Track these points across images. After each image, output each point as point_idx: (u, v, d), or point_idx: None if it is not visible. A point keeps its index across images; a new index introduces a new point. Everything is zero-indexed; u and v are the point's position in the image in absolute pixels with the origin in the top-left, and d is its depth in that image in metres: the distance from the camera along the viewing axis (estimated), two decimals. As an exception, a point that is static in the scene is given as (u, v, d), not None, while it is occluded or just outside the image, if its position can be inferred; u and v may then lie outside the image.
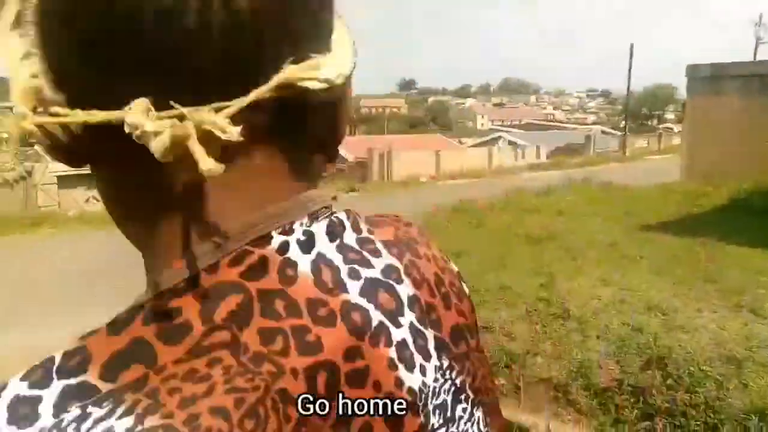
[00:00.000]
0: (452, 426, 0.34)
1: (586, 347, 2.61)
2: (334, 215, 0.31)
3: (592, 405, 2.38)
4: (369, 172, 21.97)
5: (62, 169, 14.49)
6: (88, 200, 14.62)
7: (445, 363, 0.33)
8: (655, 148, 30.14)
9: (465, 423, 0.35)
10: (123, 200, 0.30)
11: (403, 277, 0.32)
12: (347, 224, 0.31)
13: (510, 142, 29.78)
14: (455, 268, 0.40)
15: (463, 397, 0.35)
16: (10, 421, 0.22)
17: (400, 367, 0.30)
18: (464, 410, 0.35)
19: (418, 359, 0.31)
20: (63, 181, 14.10)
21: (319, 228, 0.29)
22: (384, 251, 0.32)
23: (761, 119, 7.52)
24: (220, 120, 0.23)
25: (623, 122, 33.36)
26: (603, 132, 35.21)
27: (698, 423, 2.11)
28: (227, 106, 0.24)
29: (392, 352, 0.30)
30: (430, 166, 21.37)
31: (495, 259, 3.91)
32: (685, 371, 2.30)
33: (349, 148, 28.32)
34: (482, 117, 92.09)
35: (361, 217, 0.34)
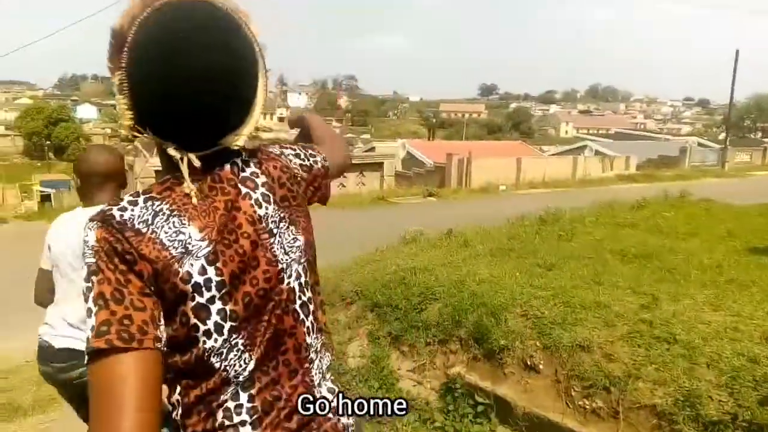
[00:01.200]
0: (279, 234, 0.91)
1: (694, 375, 2.45)
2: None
3: (702, 438, 2.23)
4: (447, 178, 21.86)
5: (159, 164, 15.60)
6: (182, 193, 15.64)
7: (275, 207, 0.92)
8: (759, 162, 27.78)
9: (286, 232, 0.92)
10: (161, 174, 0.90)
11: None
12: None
13: (597, 152, 28.55)
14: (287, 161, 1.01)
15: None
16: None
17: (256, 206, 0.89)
18: (286, 228, 0.93)
19: (265, 204, 0.91)
20: (160, 175, 15.17)
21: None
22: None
23: None
24: (193, 157, 0.83)
25: (723, 134, 31.03)
26: (699, 144, 32.91)
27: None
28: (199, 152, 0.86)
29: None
30: (511, 173, 20.93)
31: (589, 276, 3.77)
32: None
33: (428, 153, 28.38)
34: (566, 124, 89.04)
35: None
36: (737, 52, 26.42)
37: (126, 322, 0.73)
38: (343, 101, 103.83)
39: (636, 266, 4.18)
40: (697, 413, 2.29)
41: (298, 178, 1.00)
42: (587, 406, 2.58)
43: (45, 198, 25.22)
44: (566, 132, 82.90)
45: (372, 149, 29.58)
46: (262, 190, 0.91)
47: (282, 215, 0.92)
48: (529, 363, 2.92)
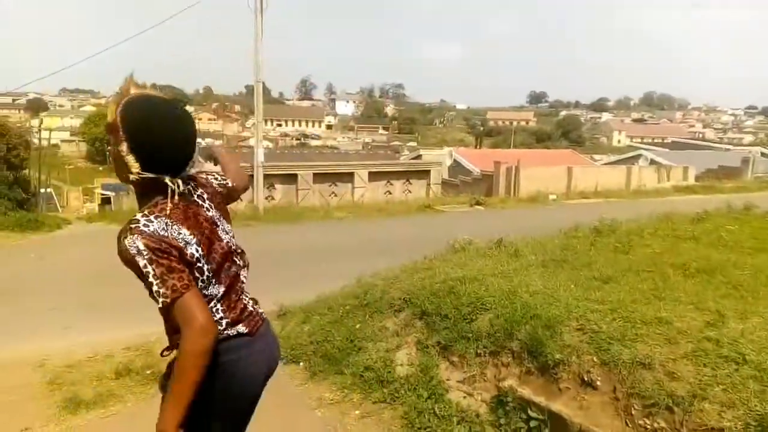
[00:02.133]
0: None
1: (766, 398, 2.31)
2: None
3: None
4: (495, 186, 21.59)
5: (210, 171, 16.01)
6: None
7: (215, 210, 1.71)
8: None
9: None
10: (144, 196, 1.58)
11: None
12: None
13: (652, 161, 27.54)
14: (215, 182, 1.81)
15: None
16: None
17: (208, 211, 1.70)
18: (221, 220, 1.73)
19: (211, 209, 1.70)
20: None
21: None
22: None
23: None
24: (180, 182, 1.56)
25: (791, 144, 29.28)
26: (762, 154, 31.22)
27: None
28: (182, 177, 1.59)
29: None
30: (561, 182, 20.45)
31: (649, 290, 3.63)
32: None
33: (475, 161, 28.13)
34: (619, 133, 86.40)
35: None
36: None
37: (182, 280, 1.47)
38: (390, 109, 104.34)
39: (699, 281, 3.99)
40: None
41: (220, 192, 1.78)
42: (648, 426, 2.47)
43: (105, 201, 26.47)
44: (619, 141, 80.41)
45: (418, 157, 29.57)
46: (207, 201, 1.68)
47: (218, 214, 1.71)
48: (585, 379, 2.82)
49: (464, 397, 3.40)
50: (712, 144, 47.56)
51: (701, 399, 2.40)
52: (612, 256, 4.73)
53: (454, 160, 29.50)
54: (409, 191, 19.69)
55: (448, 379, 3.61)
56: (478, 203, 15.81)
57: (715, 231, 5.99)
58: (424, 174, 20.38)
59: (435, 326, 4.00)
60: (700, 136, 76.11)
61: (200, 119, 74.02)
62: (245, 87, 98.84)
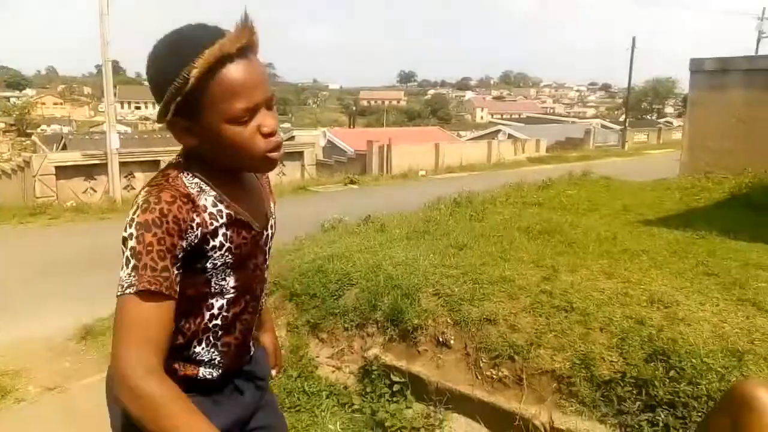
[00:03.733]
0: None
1: (588, 339, 2.63)
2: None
3: (595, 396, 2.41)
4: (369, 165, 21.95)
5: (60, 159, 14.42)
6: (86, 191, 14.58)
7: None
8: (655, 142, 30.11)
9: None
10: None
11: None
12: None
13: (510, 135, 29.73)
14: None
15: None
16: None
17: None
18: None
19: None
20: (61, 172, 14.01)
21: None
22: None
23: (764, 114, 7.53)
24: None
25: (624, 116, 33.29)
26: (603, 126, 35.15)
27: (700, 414, 2.14)
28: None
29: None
30: (430, 158, 21.36)
31: (497, 253, 3.93)
32: (688, 363, 2.32)
33: (349, 141, 28.33)
34: (482, 110, 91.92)
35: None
36: (633, 39, 28.38)
37: None
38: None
39: (540, 241, 4.41)
40: (592, 374, 2.46)
41: None
42: (494, 376, 2.70)
43: None
44: (481, 117, 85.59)
45: (292, 138, 29.10)
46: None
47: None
48: (440, 339, 3.01)
49: (333, 372, 3.47)
50: (560, 118, 52.46)
51: (537, 346, 2.68)
52: (467, 225, 5.05)
53: (329, 141, 29.46)
54: (284, 173, 19.33)
55: (317, 356, 3.65)
56: (352, 182, 16.00)
57: (557, 196, 6.64)
58: (297, 155, 20.11)
59: (304, 306, 4.01)
60: (551, 110, 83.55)
61: (43, 104, 65.87)
62: (95, 67, 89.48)
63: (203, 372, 1.11)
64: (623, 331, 2.62)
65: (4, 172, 17.10)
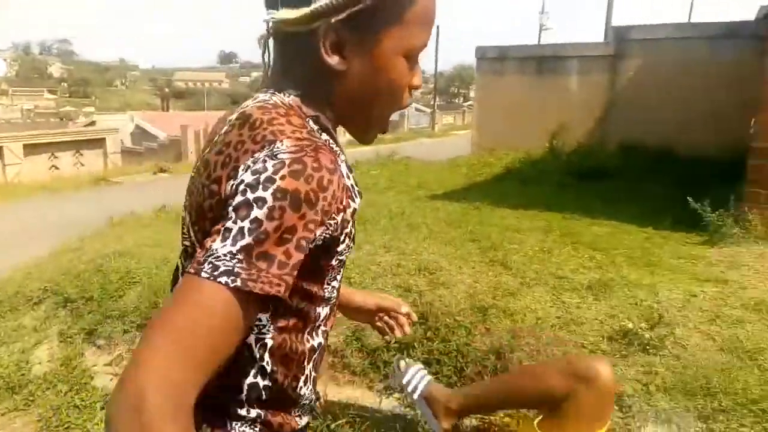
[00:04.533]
0: None
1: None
2: None
3: (365, 365, 2.54)
4: (185, 151, 20.60)
5: None
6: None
7: None
8: (460, 123, 33.07)
9: None
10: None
11: None
12: None
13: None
14: None
15: None
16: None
17: None
18: None
19: None
20: None
21: None
22: None
23: (536, 96, 8.63)
24: None
25: (435, 100, 35.94)
26: (416, 109, 37.51)
27: (449, 368, 2.38)
28: None
29: None
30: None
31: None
32: (442, 323, 2.56)
33: (162, 126, 26.21)
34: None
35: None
36: (438, 28, 30.63)
37: None
38: (56, 68, 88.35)
39: (338, 222, 4.53)
40: (362, 344, 2.59)
41: None
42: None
43: None
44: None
45: (92, 123, 26.00)
46: None
47: None
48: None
49: (111, 380, 3.18)
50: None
51: (315, 324, 2.74)
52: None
53: (137, 126, 26.95)
54: (82, 164, 17.23)
55: (94, 365, 3.32)
56: (162, 170, 14.83)
57: (360, 177, 6.90)
58: (98, 143, 18.07)
59: (80, 312, 3.62)
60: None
61: None
62: None
63: (302, 421, 0.80)
64: (393, 300, 2.79)
65: None
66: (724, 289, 2.81)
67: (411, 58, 0.72)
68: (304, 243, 0.62)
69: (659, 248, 3.60)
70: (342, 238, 0.71)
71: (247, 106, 0.72)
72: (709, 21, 8.67)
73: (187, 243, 0.76)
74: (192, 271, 0.59)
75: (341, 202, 0.66)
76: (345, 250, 0.74)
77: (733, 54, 6.45)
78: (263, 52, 0.74)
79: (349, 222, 0.71)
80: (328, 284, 0.77)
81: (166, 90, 67.59)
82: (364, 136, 0.81)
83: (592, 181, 5.88)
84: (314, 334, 0.78)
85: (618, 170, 6.07)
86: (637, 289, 2.78)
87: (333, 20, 0.65)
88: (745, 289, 2.82)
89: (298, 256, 0.61)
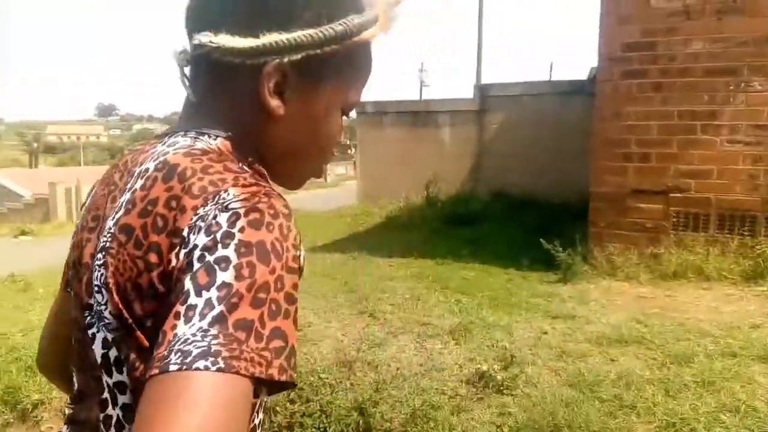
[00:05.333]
0: None
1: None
2: None
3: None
4: (53, 211, 18.90)
5: None
6: None
7: None
8: (351, 173, 33.73)
9: None
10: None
11: None
12: None
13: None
14: None
15: None
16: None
17: None
18: None
19: None
20: None
21: None
22: None
23: (413, 148, 9.04)
24: None
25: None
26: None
27: (314, 430, 2.29)
28: None
29: None
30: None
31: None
32: (306, 383, 2.49)
33: (29, 183, 23.92)
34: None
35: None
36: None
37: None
38: None
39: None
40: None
41: None
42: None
43: None
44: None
45: (-61, 183, 23.11)
46: None
47: None
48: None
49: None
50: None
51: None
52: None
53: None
54: None
55: None
56: (24, 233, 13.43)
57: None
58: (-55, 205, 16.03)
59: None
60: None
61: None
62: None
63: None
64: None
65: None
66: (572, 325, 3.04)
67: (345, 113, 0.68)
68: (274, 307, 0.50)
69: (519, 288, 3.83)
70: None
71: (167, 153, 0.60)
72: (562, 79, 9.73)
73: (117, 333, 0.58)
74: (155, 371, 0.45)
75: (300, 249, 0.56)
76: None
77: (580, 108, 7.26)
78: (182, 78, 0.63)
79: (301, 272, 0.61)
80: None
81: (35, 145, 62.23)
82: (290, 184, 0.72)
83: (463, 226, 6.20)
84: (259, 409, 0.66)
85: (486, 216, 6.48)
86: (495, 330, 2.91)
87: (285, 59, 0.58)
88: (590, 323, 3.07)
89: (271, 324, 0.49)
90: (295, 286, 0.51)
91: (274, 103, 0.60)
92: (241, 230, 0.50)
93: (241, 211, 0.51)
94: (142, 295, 0.55)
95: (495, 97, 8.31)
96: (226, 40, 0.57)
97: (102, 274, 0.58)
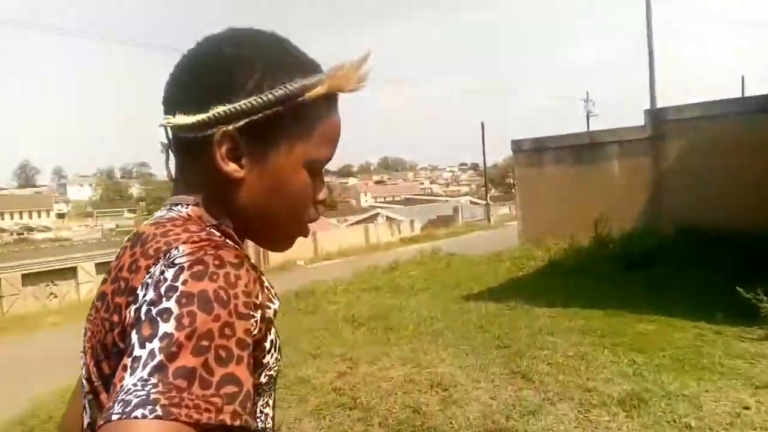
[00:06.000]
0: None
1: (367, 435, 2.54)
2: None
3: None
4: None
5: None
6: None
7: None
8: (515, 213, 32.77)
9: None
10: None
11: None
12: None
13: (388, 218, 30.74)
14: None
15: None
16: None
17: None
18: None
19: None
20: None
21: None
22: None
23: (574, 184, 8.43)
24: None
25: (492, 192, 36.19)
26: (471, 202, 37.72)
27: (457, 506, 2.08)
28: None
29: None
30: (308, 247, 21.24)
31: (310, 349, 3.81)
32: (449, 451, 2.29)
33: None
34: (365, 194, 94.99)
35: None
36: (482, 124, 31.62)
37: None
38: (136, 189, 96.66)
39: (365, 329, 4.38)
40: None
41: None
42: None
43: None
44: (366, 201, 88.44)
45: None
46: None
47: None
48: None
49: None
50: (436, 197, 55.65)
51: (314, 454, 2.52)
52: (296, 319, 4.92)
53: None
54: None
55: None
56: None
57: (399, 277, 6.77)
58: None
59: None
60: (429, 191, 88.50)
61: None
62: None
63: None
64: (399, 422, 2.56)
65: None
66: (786, 398, 2.40)
67: (313, 171, 0.68)
68: (223, 353, 0.50)
69: (711, 346, 3.19)
70: (267, 346, 0.60)
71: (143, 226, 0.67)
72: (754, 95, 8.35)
73: (90, 396, 0.63)
74: (101, 422, 0.46)
75: (257, 297, 0.56)
76: (273, 362, 0.63)
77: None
78: (166, 161, 0.69)
79: (271, 324, 0.61)
80: (261, 411, 0.64)
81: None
82: (272, 247, 0.73)
83: (639, 270, 5.47)
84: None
85: (666, 256, 5.63)
86: (678, 402, 2.41)
87: (231, 127, 0.62)
88: (814, 397, 2.39)
89: (221, 370, 0.49)
90: (247, 332, 0.52)
91: (229, 168, 0.63)
92: (184, 282, 0.52)
93: (186, 265, 0.54)
94: (108, 354, 0.58)
95: (671, 121, 7.40)
96: (179, 119, 0.63)
97: (83, 341, 0.64)
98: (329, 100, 0.67)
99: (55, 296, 15.67)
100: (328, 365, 3.41)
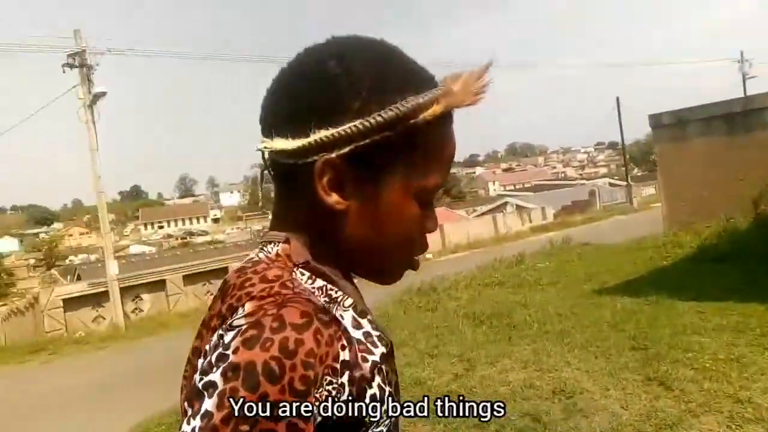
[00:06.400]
0: None
1: (486, 445, 2.42)
2: None
3: None
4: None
5: (66, 292, 14.80)
6: (95, 320, 14.79)
7: None
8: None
9: None
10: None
11: None
12: None
13: (517, 206, 29.73)
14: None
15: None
16: None
17: None
18: None
19: None
20: (68, 304, 14.32)
21: None
22: None
23: (727, 158, 7.41)
24: None
25: (634, 171, 33.28)
26: (611, 184, 35.02)
27: None
28: None
29: None
30: (436, 240, 21.29)
31: (427, 349, 3.77)
32: (572, 466, 2.10)
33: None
34: (493, 183, 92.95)
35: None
36: (618, 99, 29.09)
37: None
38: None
39: (486, 327, 4.23)
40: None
41: None
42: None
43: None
44: (494, 190, 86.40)
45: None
46: None
47: None
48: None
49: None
50: (570, 182, 52.53)
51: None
52: (416, 316, 4.91)
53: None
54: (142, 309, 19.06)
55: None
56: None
57: (525, 271, 6.47)
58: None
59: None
60: (563, 175, 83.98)
61: (71, 235, 69.02)
62: (119, 194, 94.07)
63: None
64: (517, 430, 2.41)
65: (18, 310, 17.56)
66: None
67: (424, 200, 0.61)
68: None
69: None
70: (368, 408, 0.51)
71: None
72: None
73: None
74: None
75: (334, 359, 0.49)
76: (382, 416, 0.53)
77: None
78: (260, 185, 0.65)
79: (371, 384, 0.52)
80: None
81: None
82: (379, 280, 0.65)
83: (814, 255, 4.62)
84: None
85: None
86: None
87: (334, 155, 0.56)
88: None
89: None
90: (304, 413, 0.45)
91: (332, 199, 0.58)
92: (235, 351, 0.47)
93: (242, 328, 0.49)
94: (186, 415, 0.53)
95: None
96: (278, 143, 0.57)
97: (180, 399, 0.59)
98: (445, 118, 0.59)
99: (212, 294, 17.50)
100: (445, 366, 3.34)
